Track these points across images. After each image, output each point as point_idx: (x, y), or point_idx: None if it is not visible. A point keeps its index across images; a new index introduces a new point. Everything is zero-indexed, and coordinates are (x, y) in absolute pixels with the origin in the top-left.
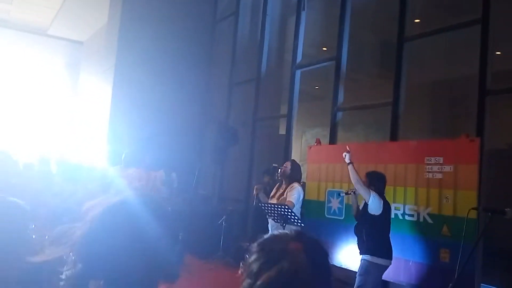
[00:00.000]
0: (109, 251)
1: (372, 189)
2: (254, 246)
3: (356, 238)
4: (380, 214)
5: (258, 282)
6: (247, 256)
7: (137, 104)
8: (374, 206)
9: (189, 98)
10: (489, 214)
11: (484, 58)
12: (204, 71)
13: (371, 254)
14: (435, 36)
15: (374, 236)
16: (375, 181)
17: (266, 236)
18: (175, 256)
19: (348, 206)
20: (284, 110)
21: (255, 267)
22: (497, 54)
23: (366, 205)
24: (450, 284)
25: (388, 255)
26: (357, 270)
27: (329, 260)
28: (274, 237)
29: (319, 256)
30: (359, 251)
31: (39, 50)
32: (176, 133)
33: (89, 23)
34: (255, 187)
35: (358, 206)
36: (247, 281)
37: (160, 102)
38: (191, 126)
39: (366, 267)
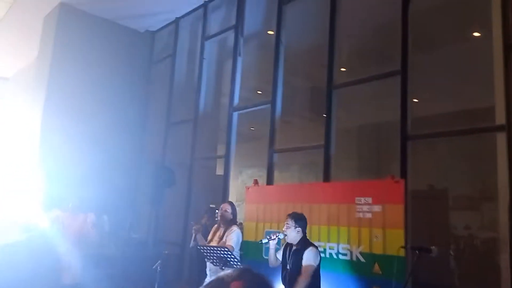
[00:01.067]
0: None
1: (299, 230)
2: None
3: (288, 287)
4: (318, 264)
5: None
6: None
7: (69, 142)
8: (310, 258)
9: (124, 137)
10: (417, 252)
11: (404, 106)
12: (140, 110)
13: None
14: (361, 85)
15: (314, 285)
16: (301, 222)
17: (210, 280)
18: None
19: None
20: (221, 150)
21: None
22: (415, 101)
23: (298, 254)
24: None
25: None
26: None
27: None
28: (217, 279)
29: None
30: None
31: None
32: (109, 173)
33: (16, 58)
34: (194, 227)
35: (276, 255)
36: None
37: (93, 141)
38: (125, 166)
39: None
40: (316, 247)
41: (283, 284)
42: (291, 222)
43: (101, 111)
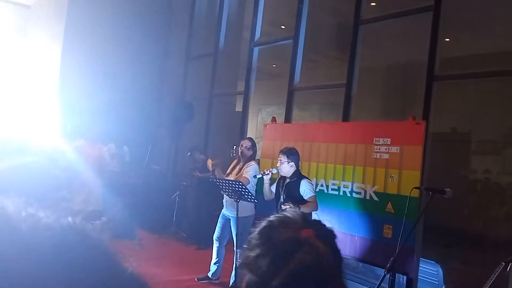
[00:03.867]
0: None
1: (292, 165)
2: (256, 237)
3: None
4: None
5: (275, 283)
6: (247, 247)
7: (88, 73)
8: (310, 188)
9: (144, 69)
10: (430, 193)
11: (434, 45)
12: (161, 42)
13: None
14: (390, 21)
15: (310, 216)
16: (293, 157)
17: (266, 223)
18: None
19: None
20: (241, 87)
21: (263, 263)
22: (446, 40)
23: (293, 186)
24: (392, 258)
25: None
26: None
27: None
28: (278, 224)
29: (332, 240)
30: None
31: None
32: (129, 105)
33: None
34: (212, 162)
35: (270, 189)
36: (253, 279)
37: (113, 72)
38: (145, 98)
39: None
40: (309, 179)
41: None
42: (283, 157)
43: (120, 45)
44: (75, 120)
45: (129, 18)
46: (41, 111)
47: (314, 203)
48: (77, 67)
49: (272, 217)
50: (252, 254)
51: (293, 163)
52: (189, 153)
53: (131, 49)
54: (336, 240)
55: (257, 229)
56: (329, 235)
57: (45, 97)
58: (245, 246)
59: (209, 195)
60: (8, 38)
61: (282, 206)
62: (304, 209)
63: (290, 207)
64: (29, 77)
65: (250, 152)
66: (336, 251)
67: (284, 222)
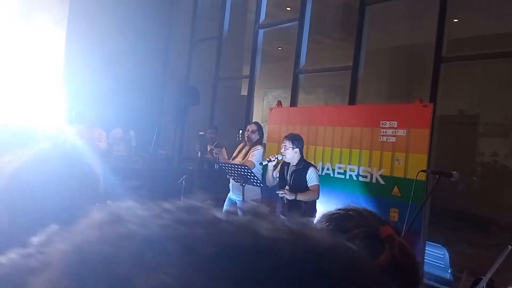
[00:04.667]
0: (26, 204)
1: (297, 151)
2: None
3: (288, 203)
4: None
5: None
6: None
7: (93, 56)
8: (315, 177)
9: (148, 54)
10: (437, 176)
11: (442, 26)
12: (165, 26)
13: (310, 217)
14: (397, 1)
15: (313, 204)
16: (298, 143)
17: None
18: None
19: None
20: (246, 70)
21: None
22: (455, 21)
23: (300, 174)
24: None
25: (315, 216)
26: None
27: None
28: (360, 217)
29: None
30: (289, 215)
31: None
32: (135, 89)
33: None
34: (215, 150)
35: (273, 175)
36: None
37: (117, 57)
38: (150, 83)
39: None
40: (315, 167)
41: (281, 200)
42: (288, 143)
43: (124, 30)
44: (80, 106)
45: (133, 2)
46: (47, 97)
47: (316, 192)
48: (82, 53)
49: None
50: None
51: (298, 149)
52: (201, 133)
53: (135, 33)
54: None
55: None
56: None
57: (50, 83)
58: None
59: (216, 179)
60: (12, 23)
61: (277, 192)
62: (301, 197)
63: (285, 193)
64: (34, 63)
65: (257, 137)
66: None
67: (364, 214)
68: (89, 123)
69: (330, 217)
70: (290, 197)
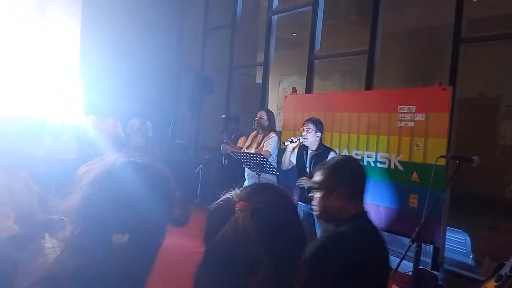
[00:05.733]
0: (103, 215)
1: (319, 135)
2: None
3: (306, 188)
4: None
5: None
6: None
7: (109, 49)
8: None
9: (162, 44)
10: (457, 161)
11: (460, 6)
12: (177, 16)
13: None
14: None
15: None
16: (320, 126)
17: (221, 198)
18: (168, 218)
19: None
20: (260, 57)
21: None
22: (474, 0)
23: (320, 158)
24: (417, 229)
25: None
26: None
27: (290, 220)
28: (225, 198)
29: (273, 217)
30: (309, 200)
31: None
32: (150, 80)
33: None
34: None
35: (290, 159)
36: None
37: (132, 48)
38: (165, 73)
39: None
40: (336, 152)
41: (299, 187)
42: (312, 126)
43: (138, 21)
44: (95, 98)
45: None
46: (63, 90)
47: None
48: (96, 45)
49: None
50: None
51: (320, 133)
52: (223, 116)
53: (149, 25)
54: (283, 218)
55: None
56: (272, 212)
57: (66, 75)
58: None
59: (235, 169)
60: (28, 17)
61: (298, 181)
62: None
63: (305, 181)
64: (49, 55)
65: (266, 122)
66: (266, 230)
67: (230, 196)
68: (104, 114)
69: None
70: (308, 184)
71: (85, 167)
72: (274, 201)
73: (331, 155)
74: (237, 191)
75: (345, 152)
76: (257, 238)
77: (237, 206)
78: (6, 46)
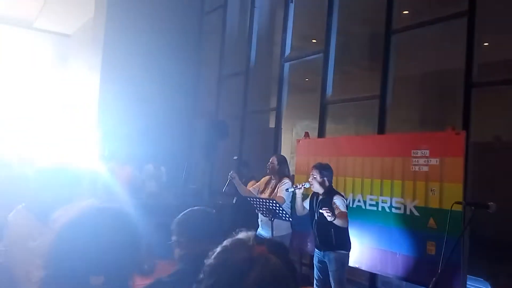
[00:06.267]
0: (72, 259)
1: (326, 182)
2: (211, 264)
3: (318, 234)
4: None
5: None
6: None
7: (126, 97)
8: (342, 204)
9: (178, 91)
10: (472, 208)
11: (470, 51)
12: (193, 64)
13: (344, 249)
14: (424, 28)
15: (344, 232)
16: (326, 172)
17: (220, 248)
18: (135, 263)
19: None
20: (274, 103)
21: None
22: (485, 45)
23: (326, 203)
24: (434, 279)
25: (350, 247)
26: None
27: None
28: (232, 247)
29: (285, 253)
30: (322, 247)
31: (26, 43)
32: (165, 126)
33: (76, 15)
34: (230, 174)
35: (303, 204)
36: None
37: (148, 95)
38: (180, 119)
39: (342, 260)
40: (343, 195)
41: (313, 231)
42: (316, 173)
43: (155, 68)
44: (112, 145)
45: (162, 43)
46: (82, 137)
47: (345, 218)
48: (115, 93)
49: (225, 242)
50: (209, 282)
51: (326, 178)
52: (235, 157)
53: (165, 73)
54: (288, 253)
55: (212, 256)
56: (281, 249)
57: (85, 123)
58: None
59: (248, 213)
60: (49, 66)
61: (319, 210)
62: (338, 221)
63: (328, 212)
64: (69, 104)
65: (277, 167)
66: (289, 263)
67: (237, 244)
68: (120, 160)
69: (214, 255)
70: (330, 218)
71: (60, 211)
72: (276, 242)
73: (335, 198)
74: (247, 235)
75: (359, 197)
76: (288, 273)
77: (257, 250)
78: (29, 95)
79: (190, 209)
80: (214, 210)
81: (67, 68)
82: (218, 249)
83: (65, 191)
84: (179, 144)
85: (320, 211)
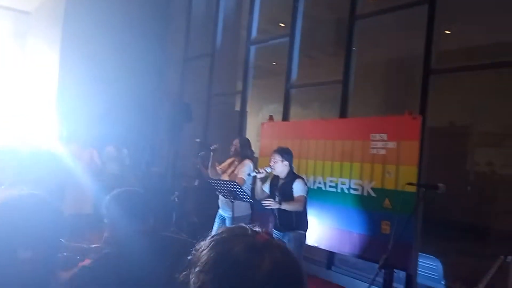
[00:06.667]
0: (8, 236)
1: (287, 166)
2: (206, 257)
3: (279, 217)
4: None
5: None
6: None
7: (87, 77)
8: (301, 189)
9: (142, 72)
10: (423, 189)
11: (430, 38)
12: (158, 44)
13: (302, 229)
14: (388, 15)
15: (303, 213)
16: (287, 156)
17: (213, 242)
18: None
19: None
20: (240, 86)
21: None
22: (447, 33)
23: (287, 186)
24: (384, 255)
25: (307, 227)
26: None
27: None
28: (229, 238)
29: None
30: (283, 228)
31: None
32: (128, 108)
33: None
34: (212, 147)
35: (262, 188)
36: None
37: (111, 75)
38: (144, 101)
39: (300, 239)
40: (303, 179)
41: (273, 213)
42: (277, 157)
43: (118, 49)
44: (71, 125)
45: (127, 23)
46: (40, 117)
47: (300, 202)
48: (75, 72)
49: (215, 236)
50: (208, 277)
51: (287, 162)
52: (198, 140)
53: (129, 53)
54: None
55: (205, 249)
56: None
57: (43, 103)
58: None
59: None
60: (7, 44)
61: (262, 202)
62: (285, 205)
63: (272, 202)
64: (28, 83)
65: (239, 149)
66: (290, 251)
67: (236, 233)
68: (81, 142)
69: (210, 245)
70: (274, 206)
71: None
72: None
73: (296, 181)
74: (238, 227)
75: (319, 179)
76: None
77: (259, 238)
78: None
79: (117, 190)
80: (142, 191)
81: (26, 46)
82: (210, 241)
83: (22, 171)
84: (143, 126)
85: (263, 204)
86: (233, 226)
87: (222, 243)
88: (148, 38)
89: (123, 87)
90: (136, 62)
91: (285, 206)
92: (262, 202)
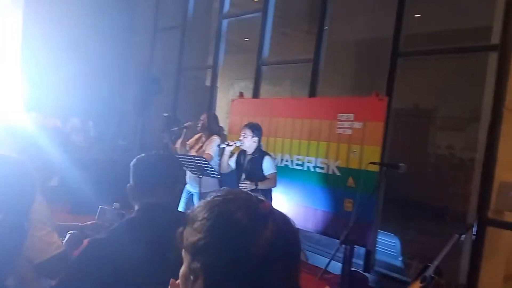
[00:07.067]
0: None
1: (256, 142)
2: (206, 217)
3: None
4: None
5: (261, 242)
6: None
7: (52, 45)
8: (271, 166)
9: (110, 42)
10: (385, 168)
11: (399, 21)
12: (127, 14)
13: None
14: None
15: (269, 190)
16: (257, 132)
17: (214, 204)
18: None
19: None
20: (211, 61)
21: (226, 246)
22: (417, 16)
23: (255, 162)
24: (345, 231)
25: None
26: None
27: None
28: (245, 193)
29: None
30: None
31: None
32: (95, 79)
33: None
34: (186, 124)
35: (228, 162)
36: (214, 262)
37: (78, 44)
38: (112, 72)
39: None
40: (271, 155)
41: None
42: (248, 132)
43: (86, 16)
44: (33, 93)
45: None
46: (2, 82)
47: (273, 180)
48: (40, 37)
49: (222, 193)
50: (206, 236)
51: (256, 138)
52: (166, 114)
53: (97, 21)
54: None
55: (204, 208)
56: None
57: (6, 68)
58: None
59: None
60: None
61: (240, 184)
62: (262, 185)
63: (248, 184)
64: None
65: (207, 125)
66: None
67: (242, 197)
68: (45, 111)
69: (211, 204)
70: (251, 187)
71: None
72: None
73: (266, 159)
74: (239, 198)
75: (287, 157)
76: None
77: (263, 207)
78: None
79: (147, 153)
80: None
81: None
82: (212, 200)
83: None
84: (110, 98)
85: (240, 186)
86: (237, 190)
87: (225, 204)
88: (117, 6)
89: (90, 56)
90: (104, 31)
91: (261, 186)
92: (240, 185)
